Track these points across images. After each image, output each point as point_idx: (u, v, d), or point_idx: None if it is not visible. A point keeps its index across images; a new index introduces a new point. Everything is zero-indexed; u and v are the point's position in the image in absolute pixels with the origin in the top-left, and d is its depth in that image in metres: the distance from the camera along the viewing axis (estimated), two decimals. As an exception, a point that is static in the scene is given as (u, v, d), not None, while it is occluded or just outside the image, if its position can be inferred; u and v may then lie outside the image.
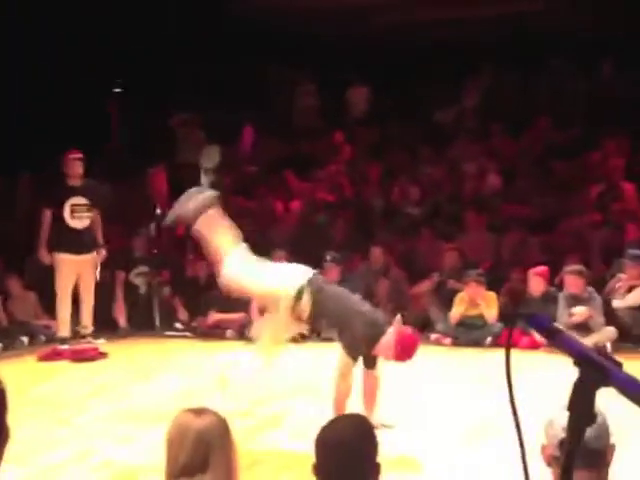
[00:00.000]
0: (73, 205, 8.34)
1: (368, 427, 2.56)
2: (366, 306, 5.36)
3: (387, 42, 12.82)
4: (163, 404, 6.20)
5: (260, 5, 12.65)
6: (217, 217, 5.52)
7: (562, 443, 2.24)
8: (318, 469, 2.48)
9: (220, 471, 2.56)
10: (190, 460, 2.57)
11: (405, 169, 11.65)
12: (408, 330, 5.30)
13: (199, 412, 2.72)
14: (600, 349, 7.39)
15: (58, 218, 8.29)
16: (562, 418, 2.28)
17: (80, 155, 8.41)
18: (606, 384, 1.15)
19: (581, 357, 1.19)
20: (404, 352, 5.11)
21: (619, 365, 1.18)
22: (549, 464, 2.37)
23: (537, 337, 7.91)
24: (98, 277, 8.84)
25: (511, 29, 12.25)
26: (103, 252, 8.63)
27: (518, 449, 1.30)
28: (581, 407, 1.18)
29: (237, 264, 5.38)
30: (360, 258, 9.78)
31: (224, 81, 13.05)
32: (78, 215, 8.36)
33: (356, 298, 5.38)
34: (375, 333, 5.13)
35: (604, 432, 2.25)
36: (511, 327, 1.36)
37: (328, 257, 9.04)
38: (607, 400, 1.34)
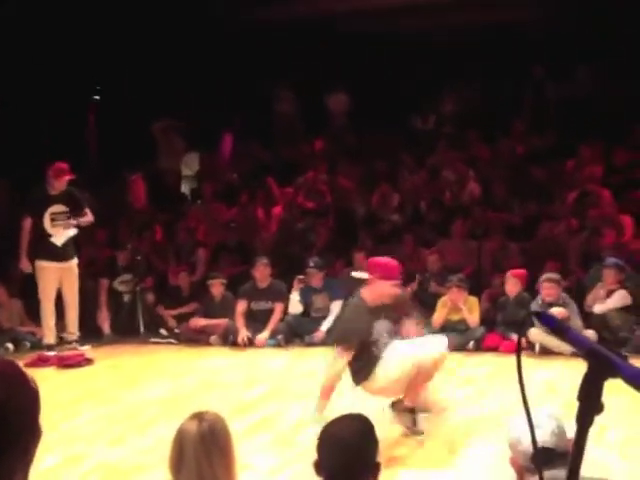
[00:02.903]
0: (53, 213, 8.32)
1: (369, 427, 2.65)
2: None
3: (367, 49, 12.94)
4: (150, 408, 6.27)
5: (235, 13, 12.73)
6: None
7: (533, 457, 2.48)
8: (320, 466, 2.57)
9: (189, 473, 2.67)
10: (170, 459, 2.73)
11: (385, 176, 11.75)
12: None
13: (193, 416, 2.83)
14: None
15: (38, 226, 8.27)
16: (527, 436, 2.47)
17: (68, 171, 8.30)
18: (613, 375, 1.26)
19: (590, 351, 1.29)
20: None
21: (624, 358, 1.29)
22: (519, 473, 2.73)
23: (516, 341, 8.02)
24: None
25: (491, 37, 12.43)
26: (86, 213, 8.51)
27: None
28: (590, 397, 1.29)
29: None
30: (343, 264, 9.87)
31: (203, 88, 13.09)
32: (58, 223, 8.35)
33: None
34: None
35: (564, 434, 2.62)
36: (522, 326, 1.47)
37: (311, 263, 9.14)
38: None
